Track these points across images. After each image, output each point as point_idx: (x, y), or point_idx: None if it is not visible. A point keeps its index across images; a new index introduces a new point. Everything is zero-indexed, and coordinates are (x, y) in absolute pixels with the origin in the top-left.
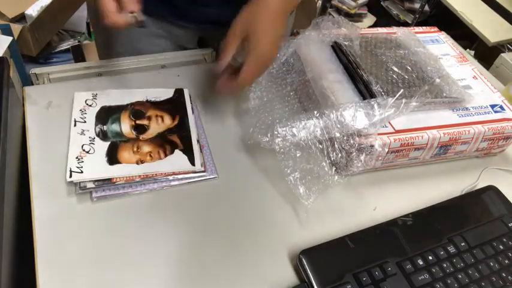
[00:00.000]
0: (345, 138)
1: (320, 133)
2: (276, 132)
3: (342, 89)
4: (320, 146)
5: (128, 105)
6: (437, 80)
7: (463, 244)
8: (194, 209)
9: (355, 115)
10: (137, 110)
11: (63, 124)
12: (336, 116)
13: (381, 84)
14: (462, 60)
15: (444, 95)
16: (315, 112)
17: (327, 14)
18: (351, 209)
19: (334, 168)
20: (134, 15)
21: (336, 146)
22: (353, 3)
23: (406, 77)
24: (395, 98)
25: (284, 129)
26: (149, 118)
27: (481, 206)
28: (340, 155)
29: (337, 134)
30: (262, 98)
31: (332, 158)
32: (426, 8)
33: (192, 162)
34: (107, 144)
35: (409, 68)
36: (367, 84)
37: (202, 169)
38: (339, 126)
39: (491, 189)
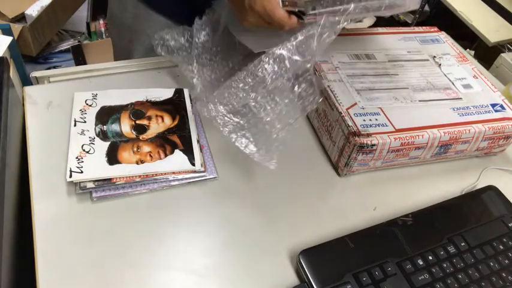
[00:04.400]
0: (345, 138)
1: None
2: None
3: None
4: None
5: (128, 105)
6: None
7: (463, 244)
8: (194, 209)
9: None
10: (137, 110)
11: (63, 124)
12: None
13: None
14: (462, 60)
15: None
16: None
17: None
18: (351, 209)
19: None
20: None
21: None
22: None
23: None
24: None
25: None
26: (149, 118)
27: (481, 206)
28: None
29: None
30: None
31: (333, 159)
32: (426, 8)
33: (192, 162)
34: (107, 144)
35: None
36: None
37: (202, 169)
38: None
39: (491, 189)
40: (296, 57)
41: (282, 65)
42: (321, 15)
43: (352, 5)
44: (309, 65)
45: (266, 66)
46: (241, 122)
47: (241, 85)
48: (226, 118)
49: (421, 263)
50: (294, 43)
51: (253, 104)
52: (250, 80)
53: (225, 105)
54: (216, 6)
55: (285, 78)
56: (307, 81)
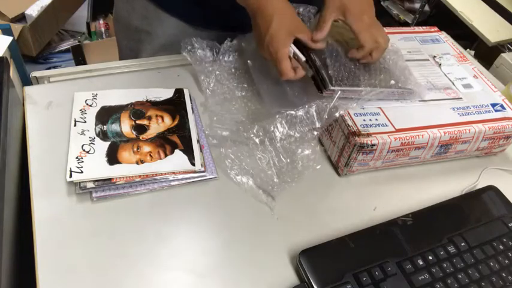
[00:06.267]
0: (345, 137)
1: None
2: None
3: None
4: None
5: (128, 105)
6: (394, 71)
7: (463, 244)
8: (194, 209)
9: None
10: (137, 110)
11: (63, 124)
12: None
13: (335, 71)
14: (462, 60)
15: (399, 85)
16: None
17: None
18: (351, 209)
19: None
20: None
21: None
22: None
23: (362, 65)
24: (339, 91)
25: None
26: (149, 118)
27: (481, 206)
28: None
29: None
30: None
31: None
32: (426, 8)
33: (192, 162)
34: (107, 144)
35: None
36: (319, 69)
37: (202, 169)
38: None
39: (491, 189)
40: (305, 125)
41: (292, 128)
42: (337, 92)
43: (369, 90)
44: (315, 133)
45: (278, 125)
46: (246, 167)
47: (252, 136)
48: (234, 161)
49: (421, 263)
50: (307, 110)
51: (259, 156)
52: (261, 133)
53: (233, 152)
54: (242, 38)
55: (292, 139)
56: (311, 147)
